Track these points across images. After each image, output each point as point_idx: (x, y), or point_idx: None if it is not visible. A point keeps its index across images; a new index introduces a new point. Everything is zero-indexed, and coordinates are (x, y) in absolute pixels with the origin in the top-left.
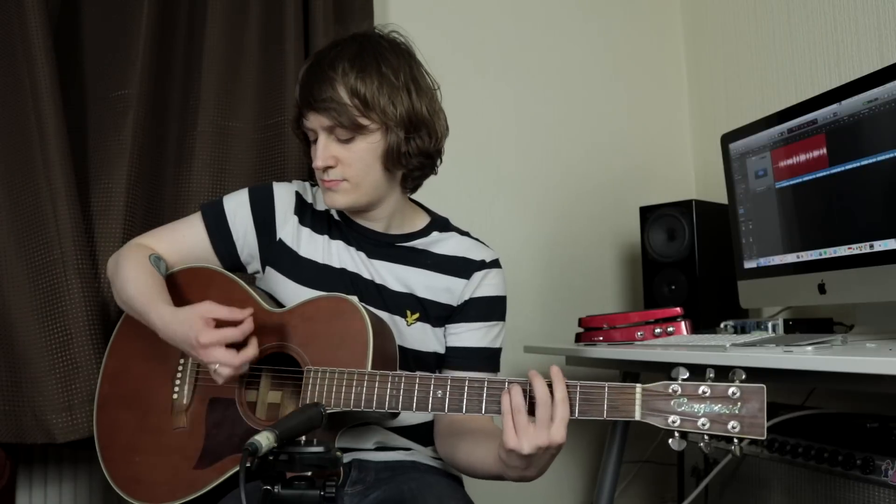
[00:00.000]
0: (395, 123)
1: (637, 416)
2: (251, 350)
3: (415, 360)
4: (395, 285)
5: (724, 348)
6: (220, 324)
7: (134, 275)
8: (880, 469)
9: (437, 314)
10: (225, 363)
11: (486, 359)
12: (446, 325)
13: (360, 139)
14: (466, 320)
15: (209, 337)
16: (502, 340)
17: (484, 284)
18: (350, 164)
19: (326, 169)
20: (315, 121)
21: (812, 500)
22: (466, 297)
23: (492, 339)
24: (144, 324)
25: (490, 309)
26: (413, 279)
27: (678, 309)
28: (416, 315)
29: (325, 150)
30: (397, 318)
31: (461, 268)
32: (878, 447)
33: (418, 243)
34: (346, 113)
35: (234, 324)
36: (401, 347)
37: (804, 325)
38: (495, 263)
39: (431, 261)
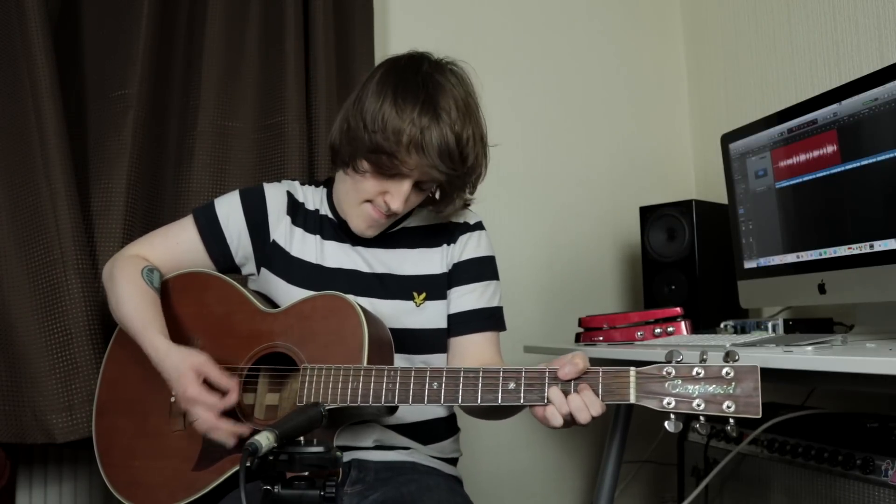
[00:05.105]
0: None
1: (632, 399)
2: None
3: (429, 339)
4: (397, 270)
5: (723, 348)
6: (207, 383)
7: (128, 294)
8: (880, 469)
9: (440, 285)
10: (204, 421)
11: (488, 318)
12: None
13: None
14: (459, 283)
15: (195, 392)
16: (500, 299)
17: (470, 246)
18: (411, 205)
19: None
20: (417, 174)
21: (812, 500)
22: (455, 261)
23: (489, 298)
24: (135, 342)
25: (480, 269)
26: (412, 259)
27: (678, 309)
28: (424, 295)
29: (407, 198)
30: (406, 302)
31: (448, 232)
32: (878, 447)
33: (407, 222)
34: (455, 183)
35: (222, 389)
36: (413, 330)
37: (804, 325)
38: (479, 225)
39: (422, 235)
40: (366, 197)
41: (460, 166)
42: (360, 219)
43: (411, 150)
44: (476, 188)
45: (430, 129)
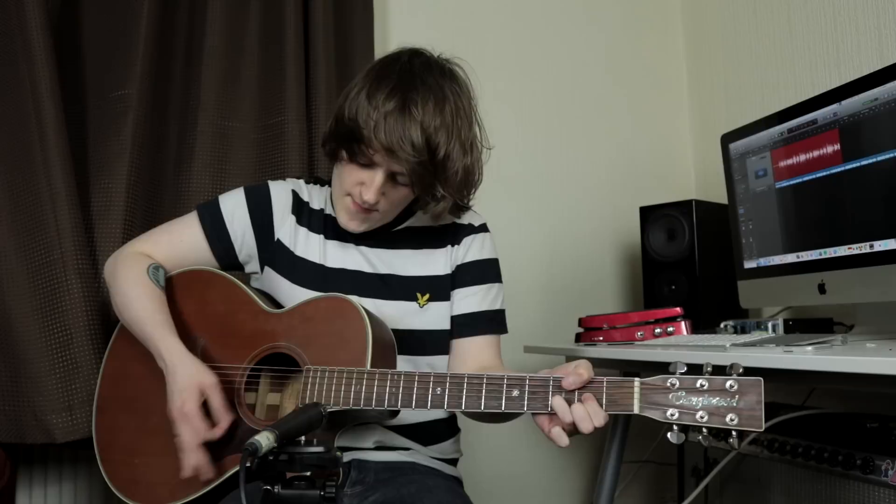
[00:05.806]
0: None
1: (636, 410)
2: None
3: (432, 340)
4: (401, 271)
5: (724, 348)
6: (205, 405)
7: (135, 294)
8: (880, 469)
9: (444, 286)
10: (185, 443)
11: (490, 321)
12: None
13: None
14: (462, 286)
15: (191, 410)
16: (502, 302)
17: (474, 248)
18: (392, 201)
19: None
20: (386, 163)
21: (812, 500)
22: (458, 263)
23: (491, 300)
24: (143, 343)
25: (483, 271)
26: (416, 260)
27: (678, 309)
28: (427, 296)
29: (380, 189)
30: (409, 303)
31: (452, 233)
32: (878, 447)
33: (411, 222)
34: (424, 175)
35: (215, 418)
36: (416, 331)
37: (804, 325)
38: (483, 228)
39: (426, 236)
40: (346, 188)
41: (425, 155)
42: (343, 210)
43: (376, 134)
44: (466, 192)
45: (392, 113)
